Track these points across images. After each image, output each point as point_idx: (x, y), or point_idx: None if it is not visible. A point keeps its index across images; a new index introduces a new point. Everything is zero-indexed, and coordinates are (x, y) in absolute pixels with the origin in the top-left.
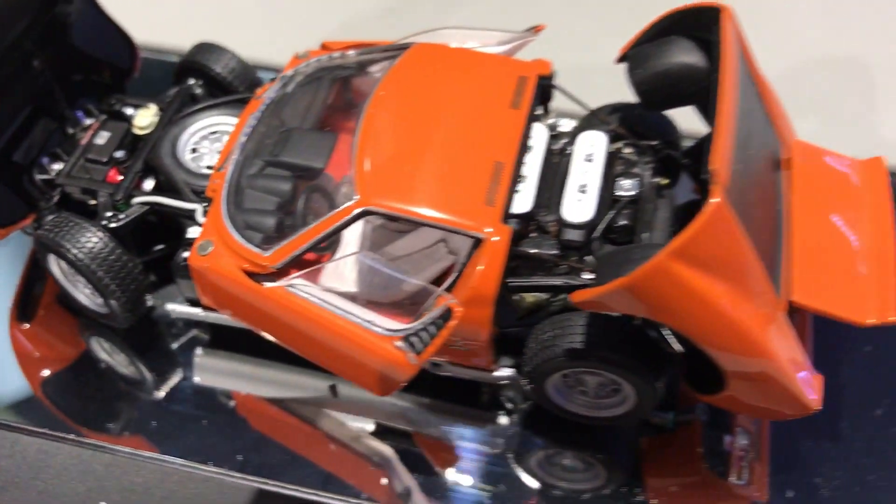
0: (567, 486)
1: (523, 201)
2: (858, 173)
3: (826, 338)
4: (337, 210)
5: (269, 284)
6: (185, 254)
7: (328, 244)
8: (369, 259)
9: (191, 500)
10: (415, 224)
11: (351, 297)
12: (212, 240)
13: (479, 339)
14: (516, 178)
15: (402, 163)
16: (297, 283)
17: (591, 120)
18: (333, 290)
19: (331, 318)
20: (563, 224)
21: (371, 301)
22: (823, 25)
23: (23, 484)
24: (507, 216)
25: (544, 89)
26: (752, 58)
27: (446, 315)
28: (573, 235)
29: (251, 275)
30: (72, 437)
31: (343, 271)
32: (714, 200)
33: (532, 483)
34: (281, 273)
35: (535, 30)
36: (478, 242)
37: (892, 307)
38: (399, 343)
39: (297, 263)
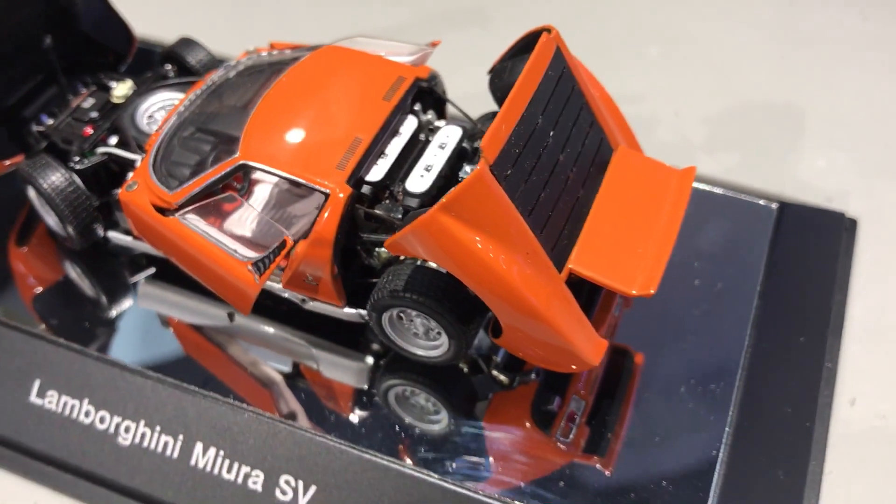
0: (415, 420)
1: (378, 172)
2: (672, 178)
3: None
4: (222, 163)
5: (168, 216)
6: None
7: (218, 193)
8: (244, 204)
9: None
10: (277, 177)
11: (228, 232)
12: (137, 181)
13: (324, 276)
14: (372, 152)
15: (278, 133)
16: (189, 217)
17: (469, 121)
18: (214, 225)
19: (207, 244)
20: (406, 193)
21: (239, 236)
22: (754, 70)
23: None
24: (358, 182)
25: (427, 92)
26: (584, 76)
27: (280, 247)
28: (411, 203)
29: (160, 210)
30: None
31: (225, 213)
32: (476, 169)
33: (385, 417)
34: (179, 210)
35: (432, 44)
36: (326, 196)
37: (654, 284)
38: (249, 267)
39: (193, 202)
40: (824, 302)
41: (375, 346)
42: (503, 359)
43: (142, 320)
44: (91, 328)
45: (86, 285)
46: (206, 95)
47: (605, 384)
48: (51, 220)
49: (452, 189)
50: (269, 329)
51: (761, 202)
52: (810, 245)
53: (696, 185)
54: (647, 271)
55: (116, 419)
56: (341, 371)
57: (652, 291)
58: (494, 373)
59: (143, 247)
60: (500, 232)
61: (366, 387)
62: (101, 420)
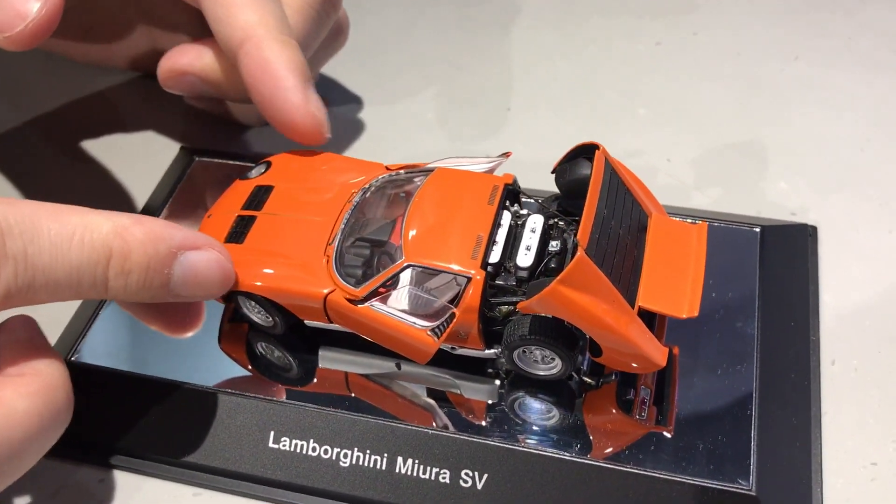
0: (536, 421)
1: (495, 256)
2: (692, 231)
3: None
4: (392, 265)
5: (360, 305)
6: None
7: (391, 284)
8: (413, 290)
9: None
10: (433, 271)
11: (404, 310)
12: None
13: (472, 331)
14: (491, 243)
15: (426, 238)
16: (375, 304)
17: (541, 205)
18: (395, 307)
19: (393, 321)
20: (517, 268)
21: (415, 313)
22: (722, 117)
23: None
24: (485, 264)
25: (511, 191)
26: (622, 170)
27: (451, 317)
28: (522, 274)
29: (350, 301)
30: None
31: (400, 297)
32: (578, 255)
33: (515, 420)
34: (365, 300)
35: (506, 155)
36: (468, 279)
37: (696, 308)
38: (428, 332)
39: (375, 294)
40: (804, 294)
41: (500, 372)
42: (588, 368)
43: (327, 379)
44: (297, 385)
45: (286, 359)
46: (353, 213)
47: (660, 375)
48: (255, 318)
49: (565, 269)
50: (423, 370)
51: (746, 228)
52: (787, 254)
53: (695, 218)
54: (690, 300)
55: (336, 449)
56: (479, 392)
57: (696, 314)
58: (585, 378)
59: (335, 327)
60: (597, 291)
61: (497, 401)
62: (325, 452)
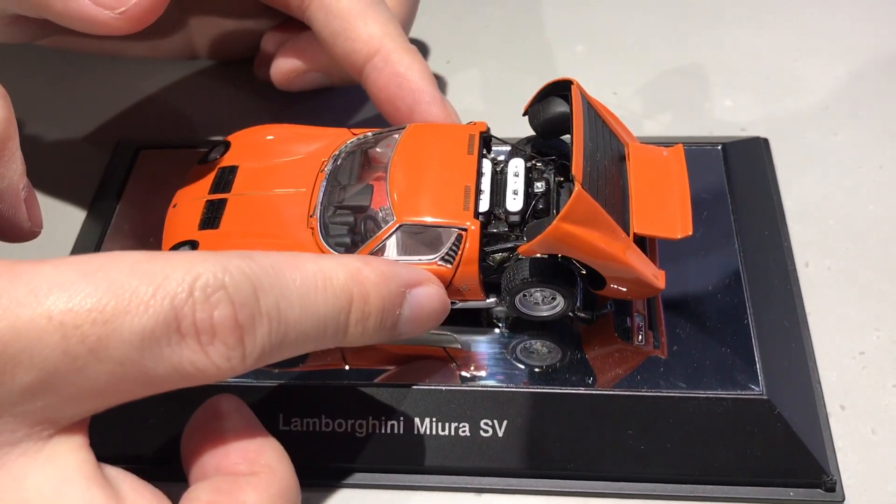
0: (540, 363)
1: (484, 204)
2: (669, 154)
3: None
4: (385, 227)
5: None
6: None
7: (383, 247)
8: (408, 240)
9: None
10: (427, 227)
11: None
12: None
13: (472, 284)
14: (478, 192)
15: (414, 195)
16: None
17: (515, 149)
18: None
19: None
20: (508, 213)
21: (417, 253)
22: (660, 44)
23: None
24: (477, 214)
25: (486, 139)
26: (597, 104)
27: (458, 239)
28: (514, 219)
29: None
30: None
31: (397, 250)
32: (576, 190)
33: (519, 365)
34: None
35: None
36: (465, 230)
37: (688, 227)
38: (438, 262)
39: None
40: (770, 203)
41: (496, 321)
42: (581, 304)
43: (320, 356)
44: (291, 366)
45: None
46: (328, 181)
47: (650, 300)
48: None
49: (563, 206)
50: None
51: (709, 147)
52: (748, 167)
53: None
54: (682, 220)
55: (350, 421)
56: (481, 344)
57: (690, 233)
58: (580, 314)
59: None
60: (596, 223)
61: (500, 349)
62: (339, 426)
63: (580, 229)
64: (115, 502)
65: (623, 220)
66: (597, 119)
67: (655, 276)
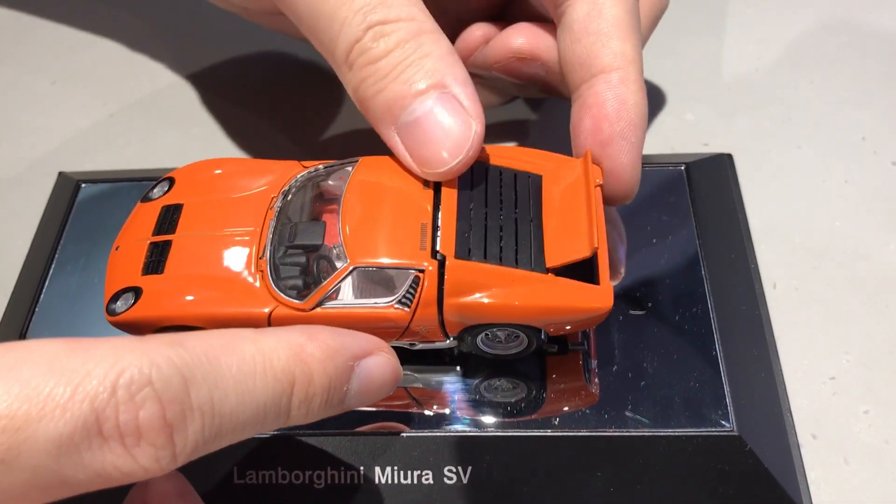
0: (505, 399)
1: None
2: (577, 166)
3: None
4: (337, 271)
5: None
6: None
7: (336, 290)
8: (363, 282)
9: None
10: (382, 269)
11: (360, 298)
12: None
13: (432, 326)
14: (435, 230)
15: (367, 235)
16: (327, 305)
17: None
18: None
19: (354, 310)
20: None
21: (372, 295)
22: None
23: None
24: (434, 253)
25: None
26: (495, 151)
27: (415, 281)
28: None
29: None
30: None
31: (351, 291)
32: (448, 264)
33: (485, 403)
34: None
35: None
36: (422, 272)
37: (594, 240)
38: (395, 305)
39: (321, 304)
40: (735, 223)
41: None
42: (546, 336)
43: None
44: None
45: None
46: (278, 219)
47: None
48: None
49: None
50: None
51: (672, 167)
52: (712, 186)
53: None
54: (588, 235)
55: (308, 472)
56: (442, 384)
57: (597, 245)
58: (546, 349)
59: None
60: (488, 283)
61: (463, 388)
62: (296, 478)
63: (471, 300)
64: None
65: (538, 260)
66: (490, 170)
67: (596, 297)
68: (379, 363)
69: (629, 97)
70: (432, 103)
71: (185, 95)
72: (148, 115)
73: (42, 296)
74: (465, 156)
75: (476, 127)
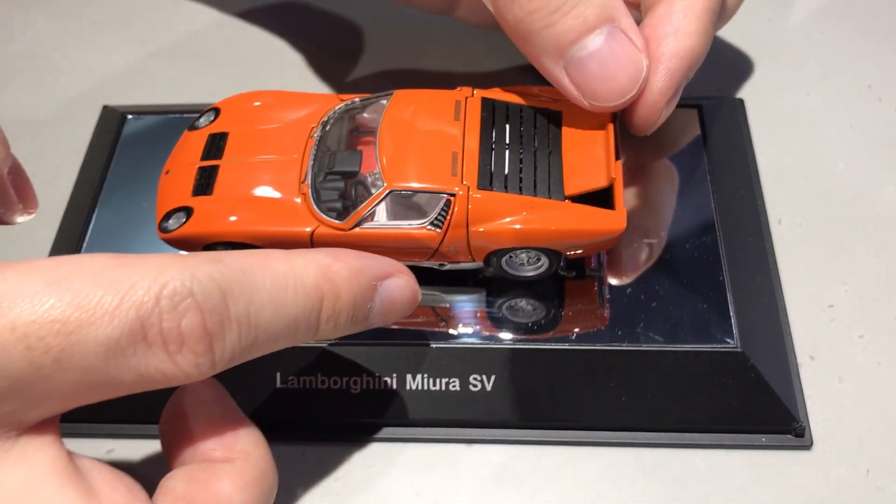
0: (525, 320)
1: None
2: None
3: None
4: (375, 193)
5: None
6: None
7: (373, 213)
8: (398, 205)
9: None
10: (416, 192)
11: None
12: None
13: (461, 247)
14: (464, 158)
15: (403, 161)
16: (365, 225)
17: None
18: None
19: (389, 230)
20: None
21: (406, 217)
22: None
23: None
24: (464, 178)
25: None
26: (510, 93)
27: (446, 204)
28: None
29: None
30: None
31: (387, 214)
32: (469, 197)
33: (507, 322)
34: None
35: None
36: (453, 195)
37: (612, 172)
38: (427, 227)
39: (360, 224)
40: (744, 162)
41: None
42: (565, 262)
43: None
44: None
45: None
46: (318, 147)
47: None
48: None
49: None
50: None
51: (686, 108)
52: (724, 127)
53: None
54: (606, 168)
55: (345, 378)
56: (468, 303)
57: (615, 177)
58: (563, 273)
59: None
60: (507, 210)
61: (487, 308)
62: (335, 383)
63: (494, 224)
64: (88, 497)
65: (556, 188)
66: (510, 107)
67: (609, 220)
68: (399, 284)
69: (683, 26)
70: (604, 38)
71: (222, 35)
72: (185, 54)
73: (94, 219)
74: (636, 90)
75: (645, 61)
